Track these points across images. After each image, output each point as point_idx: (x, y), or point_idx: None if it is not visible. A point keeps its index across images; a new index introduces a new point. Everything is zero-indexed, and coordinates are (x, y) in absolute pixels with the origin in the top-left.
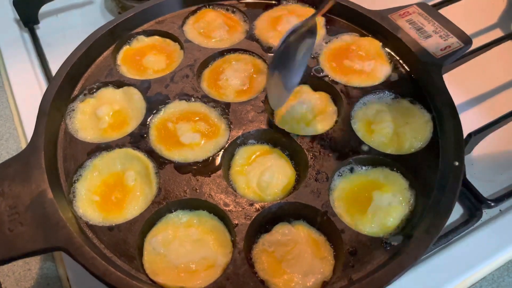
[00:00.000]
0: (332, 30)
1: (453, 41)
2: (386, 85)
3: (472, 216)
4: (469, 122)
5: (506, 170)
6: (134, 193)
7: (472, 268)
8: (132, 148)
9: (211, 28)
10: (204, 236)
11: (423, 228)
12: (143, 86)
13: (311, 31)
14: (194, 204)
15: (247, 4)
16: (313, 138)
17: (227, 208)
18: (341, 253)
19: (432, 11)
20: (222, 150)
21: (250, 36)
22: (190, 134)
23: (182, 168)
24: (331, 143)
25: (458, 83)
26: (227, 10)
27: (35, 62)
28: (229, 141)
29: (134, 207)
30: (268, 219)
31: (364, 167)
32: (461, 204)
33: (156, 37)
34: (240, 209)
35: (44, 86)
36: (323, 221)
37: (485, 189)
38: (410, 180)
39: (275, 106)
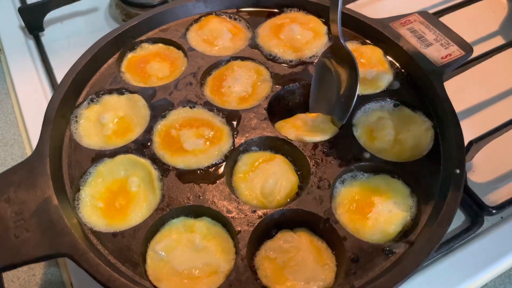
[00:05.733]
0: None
1: (454, 49)
2: (388, 92)
3: (473, 223)
4: (470, 129)
5: (508, 177)
6: (138, 199)
7: (474, 275)
8: (135, 155)
9: (214, 35)
10: (207, 242)
11: (424, 236)
12: (147, 93)
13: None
14: (197, 211)
15: (249, 12)
16: (315, 145)
17: (230, 215)
18: (343, 260)
19: (433, 20)
20: (225, 157)
21: (253, 44)
22: (193, 140)
23: (185, 174)
24: (333, 150)
25: (459, 91)
26: (230, 17)
27: (40, 68)
28: (232, 148)
29: (137, 213)
30: (271, 226)
31: (365, 174)
32: (462, 211)
33: (160, 44)
34: (243, 216)
35: (48, 92)
36: (325, 228)
37: (487, 196)
38: (412, 187)
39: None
